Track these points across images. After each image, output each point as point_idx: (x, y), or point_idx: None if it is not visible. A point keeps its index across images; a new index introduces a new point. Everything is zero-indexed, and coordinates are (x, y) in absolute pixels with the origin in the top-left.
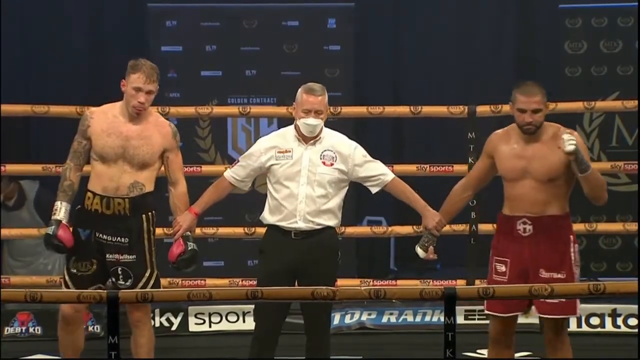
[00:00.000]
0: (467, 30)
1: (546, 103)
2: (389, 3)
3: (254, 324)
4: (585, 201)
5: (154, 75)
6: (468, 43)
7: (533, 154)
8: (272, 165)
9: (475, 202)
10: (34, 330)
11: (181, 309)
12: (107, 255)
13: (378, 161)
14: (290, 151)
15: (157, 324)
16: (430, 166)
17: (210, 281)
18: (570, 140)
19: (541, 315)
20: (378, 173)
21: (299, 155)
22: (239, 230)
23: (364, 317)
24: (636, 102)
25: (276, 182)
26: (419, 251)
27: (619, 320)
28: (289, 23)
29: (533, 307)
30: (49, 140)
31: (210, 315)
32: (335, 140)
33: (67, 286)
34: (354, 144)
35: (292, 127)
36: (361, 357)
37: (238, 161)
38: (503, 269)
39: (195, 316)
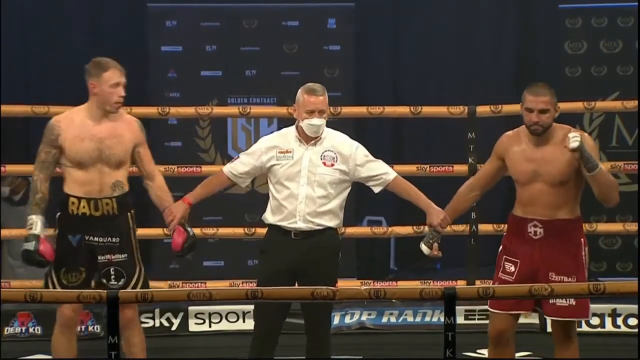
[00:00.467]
0: (467, 30)
1: (555, 105)
2: (389, 3)
3: (253, 323)
4: (585, 201)
5: (122, 69)
6: (468, 43)
7: (543, 157)
8: (273, 165)
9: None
10: (34, 330)
11: (181, 309)
12: (99, 257)
13: (380, 160)
14: (291, 151)
15: (157, 324)
16: (430, 166)
17: (210, 283)
18: (575, 137)
19: (551, 318)
20: (380, 172)
21: (300, 155)
22: (239, 231)
23: (364, 317)
24: (636, 102)
25: (277, 183)
26: (424, 248)
27: (619, 320)
28: (289, 23)
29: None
30: None
31: (210, 315)
32: (336, 141)
33: None
34: (355, 143)
35: (293, 127)
36: (361, 357)
37: (238, 157)
38: (512, 269)
39: (195, 316)
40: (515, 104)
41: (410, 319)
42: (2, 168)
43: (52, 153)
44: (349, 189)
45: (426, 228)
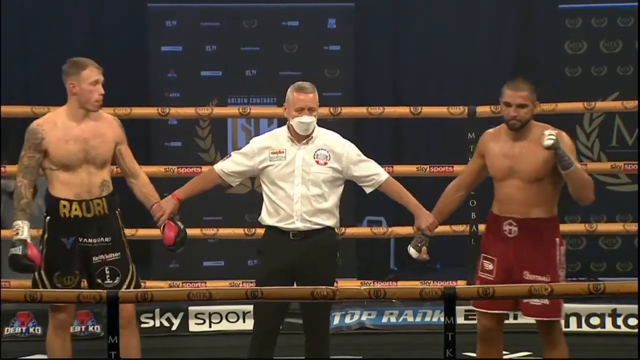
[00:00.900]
0: (467, 30)
1: (534, 100)
2: (389, 3)
3: (253, 323)
4: None
5: (100, 67)
6: (468, 43)
7: (520, 153)
8: (266, 166)
9: (475, 202)
10: (34, 330)
11: (181, 309)
12: (93, 258)
13: (372, 161)
14: (283, 152)
15: (157, 324)
16: (430, 166)
17: (210, 283)
18: (550, 135)
19: (526, 317)
20: (372, 173)
21: (292, 155)
22: (239, 231)
23: (364, 317)
24: (636, 102)
25: (271, 184)
26: (412, 251)
27: (619, 320)
28: (289, 23)
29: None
30: None
31: (210, 315)
32: (328, 139)
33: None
34: (347, 142)
35: (284, 127)
36: (361, 357)
37: (230, 155)
38: (490, 267)
39: (195, 316)
40: None
41: (410, 319)
42: (2, 168)
43: (35, 157)
44: (342, 187)
45: None
